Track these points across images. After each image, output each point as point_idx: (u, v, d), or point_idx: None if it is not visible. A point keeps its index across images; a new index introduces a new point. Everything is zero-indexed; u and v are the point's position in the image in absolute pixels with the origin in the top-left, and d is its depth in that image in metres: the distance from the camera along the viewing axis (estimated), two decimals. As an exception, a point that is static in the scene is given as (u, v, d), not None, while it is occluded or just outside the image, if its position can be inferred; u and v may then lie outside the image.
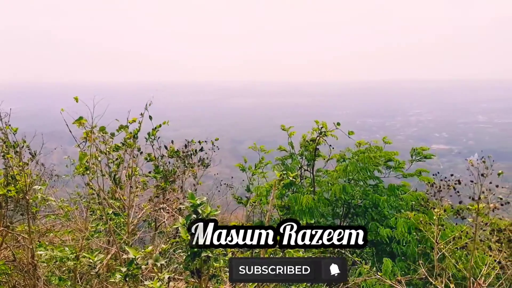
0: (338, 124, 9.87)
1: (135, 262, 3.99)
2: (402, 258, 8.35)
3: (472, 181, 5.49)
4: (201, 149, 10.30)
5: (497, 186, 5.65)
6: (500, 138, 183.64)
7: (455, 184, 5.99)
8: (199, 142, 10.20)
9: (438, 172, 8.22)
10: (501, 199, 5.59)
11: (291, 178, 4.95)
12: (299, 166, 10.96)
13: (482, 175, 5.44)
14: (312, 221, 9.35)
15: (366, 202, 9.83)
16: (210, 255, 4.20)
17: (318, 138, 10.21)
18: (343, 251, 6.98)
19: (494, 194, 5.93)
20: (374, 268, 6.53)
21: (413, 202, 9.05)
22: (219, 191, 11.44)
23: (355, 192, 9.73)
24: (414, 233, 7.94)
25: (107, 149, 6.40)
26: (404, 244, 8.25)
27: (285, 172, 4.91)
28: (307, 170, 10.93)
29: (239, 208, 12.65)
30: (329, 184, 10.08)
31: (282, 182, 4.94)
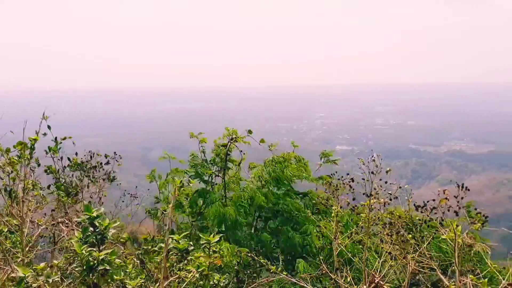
0: (250, 131, 10.07)
1: (24, 281, 3.78)
2: (310, 257, 8.76)
3: (363, 179, 5.95)
4: (107, 163, 9.98)
5: (386, 182, 6.16)
6: (395, 138, 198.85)
7: (349, 182, 6.43)
8: (105, 156, 9.89)
9: (336, 172, 8.76)
10: (390, 194, 6.12)
11: (191, 184, 5.00)
12: (211, 173, 11.00)
13: (372, 173, 5.92)
14: (223, 228, 9.47)
15: (280, 206, 10.12)
16: (108, 268, 4.10)
17: (229, 144, 10.33)
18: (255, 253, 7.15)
19: (385, 190, 6.48)
20: (280, 268, 6.77)
21: (314, 201, 9.53)
22: (123, 201, 11.12)
23: (269, 197, 9.98)
24: (315, 230, 8.37)
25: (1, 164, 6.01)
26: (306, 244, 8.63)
27: (187, 179, 4.96)
28: (219, 176, 11.01)
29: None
30: (242, 191, 10.24)
31: (182, 189, 4.97)
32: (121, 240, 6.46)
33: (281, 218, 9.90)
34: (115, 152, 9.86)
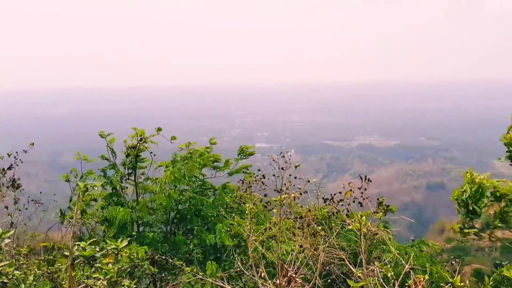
0: (159, 129, 9.82)
1: None
2: (224, 256, 8.75)
3: (274, 175, 6.03)
4: (10, 167, 9.23)
5: (295, 177, 6.30)
6: (311, 134, 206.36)
7: (261, 179, 6.49)
8: (8, 154, 9.14)
9: (259, 170, 8.82)
10: (300, 189, 6.27)
11: (96, 188, 4.75)
12: (121, 175, 10.57)
13: (282, 169, 6.02)
14: (134, 233, 9.16)
15: (193, 205, 9.97)
16: (5, 280, 3.80)
17: (138, 145, 10.00)
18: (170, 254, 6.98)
19: (294, 185, 6.62)
20: (195, 269, 6.68)
21: (227, 200, 9.53)
22: (27, 208, 10.32)
23: (182, 197, 9.81)
24: (228, 229, 8.37)
25: None
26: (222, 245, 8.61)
27: (92, 182, 4.72)
28: (130, 179, 10.62)
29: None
30: (154, 193, 9.97)
31: (87, 193, 4.72)
32: (20, 251, 6.00)
33: (194, 219, 9.78)
34: (15, 157, 9.11)
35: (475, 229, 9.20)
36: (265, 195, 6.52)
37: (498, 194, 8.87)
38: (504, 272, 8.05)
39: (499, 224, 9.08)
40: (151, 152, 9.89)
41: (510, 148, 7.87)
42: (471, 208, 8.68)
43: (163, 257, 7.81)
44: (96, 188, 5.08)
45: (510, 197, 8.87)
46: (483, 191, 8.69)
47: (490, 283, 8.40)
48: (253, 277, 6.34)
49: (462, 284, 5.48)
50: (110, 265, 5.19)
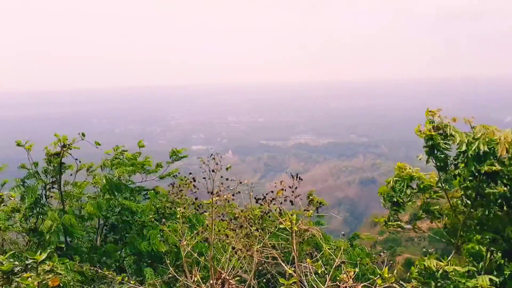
0: (83, 134, 9.39)
1: None
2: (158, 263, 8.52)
3: (204, 178, 5.94)
4: None
5: (227, 179, 6.25)
6: (248, 135, 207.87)
7: (191, 182, 6.38)
8: None
9: (191, 173, 8.66)
10: (232, 190, 6.23)
11: (13, 198, 4.43)
12: (44, 184, 9.95)
13: (213, 171, 5.95)
14: (63, 245, 8.68)
15: (124, 212, 9.61)
16: None
17: (62, 151, 9.48)
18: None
19: (228, 187, 6.56)
20: (126, 278, 6.42)
21: (159, 205, 9.31)
22: None
23: (111, 204, 9.41)
24: (159, 234, 8.17)
25: None
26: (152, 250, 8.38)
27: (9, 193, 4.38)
28: (54, 187, 10.03)
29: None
30: (81, 201, 9.50)
31: (3, 204, 4.37)
32: None
33: (126, 226, 9.44)
34: None
35: (398, 222, 9.62)
36: (196, 199, 6.42)
37: (422, 186, 9.32)
38: (426, 262, 8.46)
39: (423, 215, 9.56)
40: (76, 159, 9.40)
41: (427, 142, 8.28)
42: (395, 200, 9.06)
43: (93, 268, 7.48)
44: (13, 199, 4.72)
45: (433, 189, 9.36)
46: (406, 184, 9.10)
47: (416, 271, 8.83)
48: (186, 282, 6.21)
49: (389, 275, 5.70)
50: (30, 279, 4.86)
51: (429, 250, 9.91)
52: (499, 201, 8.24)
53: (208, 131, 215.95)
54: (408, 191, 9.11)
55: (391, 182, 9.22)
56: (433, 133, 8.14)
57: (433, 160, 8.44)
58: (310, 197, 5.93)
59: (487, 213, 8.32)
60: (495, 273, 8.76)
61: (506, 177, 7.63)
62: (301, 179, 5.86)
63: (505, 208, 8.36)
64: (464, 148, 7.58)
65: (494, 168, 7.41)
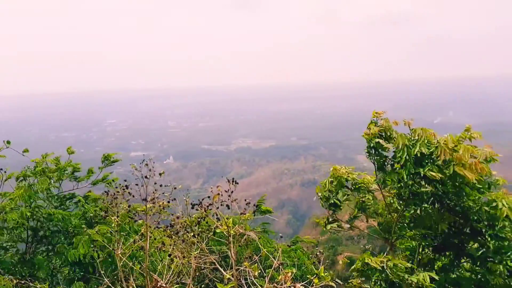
0: (8, 142, 8.91)
1: None
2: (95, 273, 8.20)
3: (136, 184, 5.79)
4: None
5: (161, 185, 6.12)
6: (189, 140, 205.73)
7: (124, 189, 6.20)
8: None
9: (125, 180, 8.39)
10: (167, 196, 6.11)
11: None
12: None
13: (146, 177, 5.81)
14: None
15: (52, 220, 9.18)
16: None
17: (-14, 160, 8.93)
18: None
19: (163, 193, 6.43)
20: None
21: (91, 214, 8.99)
22: None
23: (37, 214, 8.95)
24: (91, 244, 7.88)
25: None
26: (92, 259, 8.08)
27: None
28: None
29: None
30: (4, 212, 8.94)
31: None
32: None
33: (55, 235, 9.03)
34: None
35: (337, 222, 9.90)
36: (129, 206, 6.24)
37: (357, 186, 9.66)
38: (366, 259, 8.77)
39: (359, 214, 9.90)
40: (1, 169, 8.89)
41: (369, 143, 8.58)
42: (332, 202, 9.32)
43: (22, 282, 7.06)
44: None
45: (368, 189, 9.72)
46: (341, 184, 9.39)
47: (356, 268, 9.13)
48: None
49: (326, 274, 5.82)
50: None
51: (366, 247, 10.25)
52: (431, 199, 8.72)
53: (147, 136, 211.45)
54: (341, 193, 9.40)
55: (327, 184, 9.48)
56: (376, 134, 8.45)
57: (373, 160, 8.77)
58: (246, 200, 5.94)
59: (419, 211, 8.75)
60: (427, 267, 9.22)
61: (438, 179, 8.06)
62: (237, 183, 5.86)
63: (436, 206, 8.85)
64: (405, 150, 7.93)
65: (434, 173, 7.80)
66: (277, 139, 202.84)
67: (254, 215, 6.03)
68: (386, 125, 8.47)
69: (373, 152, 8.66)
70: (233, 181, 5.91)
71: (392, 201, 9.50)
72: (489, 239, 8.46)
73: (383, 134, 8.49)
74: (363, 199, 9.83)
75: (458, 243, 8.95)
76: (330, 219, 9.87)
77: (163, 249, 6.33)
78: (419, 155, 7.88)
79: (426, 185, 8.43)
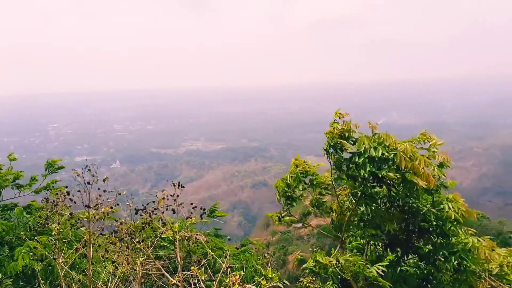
0: None
1: None
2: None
3: (79, 190, 5.61)
4: None
5: (104, 191, 5.96)
6: (136, 143, 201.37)
7: (66, 196, 5.99)
8: None
9: (66, 186, 8.10)
10: (110, 202, 5.95)
11: None
12: None
13: (88, 183, 5.63)
14: None
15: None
16: None
17: None
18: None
19: (107, 199, 6.26)
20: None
21: (30, 223, 8.61)
22: None
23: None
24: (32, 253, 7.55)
25: None
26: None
27: None
28: None
29: None
30: None
31: None
32: None
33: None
34: None
35: (292, 217, 10.02)
36: (71, 213, 6.02)
37: (315, 182, 9.79)
38: (317, 257, 8.92)
39: (313, 210, 10.08)
40: None
41: (330, 142, 8.74)
42: (289, 195, 9.43)
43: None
44: None
45: (324, 186, 9.89)
46: (299, 178, 9.51)
47: (308, 266, 9.28)
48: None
49: (273, 274, 5.87)
50: None
51: (315, 249, 10.42)
52: (382, 199, 9.03)
53: (92, 140, 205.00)
54: (301, 187, 9.53)
55: (288, 178, 9.58)
56: (338, 134, 8.63)
57: (329, 159, 8.94)
58: (192, 203, 5.89)
59: (369, 210, 9.01)
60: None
61: (391, 181, 8.35)
62: (183, 187, 5.79)
63: (387, 205, 9.17)
64: (371, 152, 8.14)
65: (392, 174, 8.07)
66: (228, 141, 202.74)
67: (201, 219, 5.98)
68: (347, 127, 8.70)
69: (332, 151, 8.83)
70: (179, 185, 5.84)
71: (345, 199, 9.74)
72: (436, 238, 8.88)
73: (343, 135, 8.71)
74: (319, 196, 10.00)
75: (406, 241, 9.31)
76: (283, 214, 9.96)
77: (107, 256, 6.15)
78: (375, 158, 8.14)
79: (378, 186, 8.73)
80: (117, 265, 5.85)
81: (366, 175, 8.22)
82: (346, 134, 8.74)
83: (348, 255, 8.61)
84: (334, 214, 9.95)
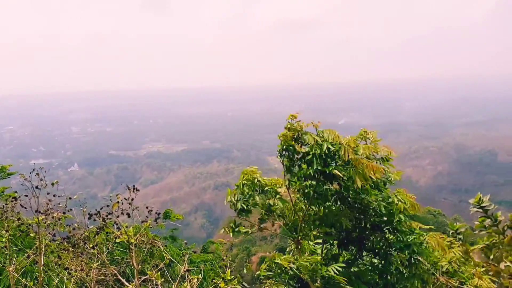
0: None
1: None
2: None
3: (26, 195, 5.41)
4: None
5: (54, 195, 5.77)
6: (95, 146, 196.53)
7: (12, 201, 5.75)
8: None
9: (16, 191, 7.77)
10: (61, 207, 5.77)
11: None
12: None
13: (37, 187, 5.43)
14: None
15: None
16: None
17: None
18: None
19: (59, 203, 6.06)
20: None
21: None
22: None
23: None
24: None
25: None
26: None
27: None
28: None
29: None
30: None
31: None
32: None
33: None
34: None
35: (243, 227, 10.01)
36: (19, 219, 5.79)
37: (264, 189, 9.83)
38: (276, 259, 8.95)
39: (266, 217, 10.09)
40: None
41: (283, 145, 8.78)
42: (239, 207, 9.41)
43: None
44: None
45: (275, 191, 9.92)
46: (253, 187, 9.53)
47: (264, 268, 9.29)
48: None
49: (232, 276, 5.85)
50: None
51: (271, 253, 10.39)
52: (334, 197, 9.14)
53: (49, 143, 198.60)
54: (257, 197, 9.53)
55: (240, 186, 9.57)
56: (291, 136, 8.66)
57: (282, 161, 8.98)
58: (148, 207, 5.77)
59: (322, 209, 9.11)
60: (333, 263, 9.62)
61: (341, 178, 8.48)
62: (138, 190, 5.67)
63: (339, 203, 9.29)
64: (315, 149, 8.23)
65: (337, 171, 8.18)
66: (189, 143, 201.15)
67: (156, 222, 5.88)
68: (299, 128, 8.76)
69: (285, 154, 8.89)
70: (134, 189, 5.72)
71: (298, 200, 9.81)
72: (387, 232, 9.10)
73: (296, 136, 8.78)
74: (270, 202, 10.01)
75: (360, 238, 9.49)
76: (237, 223, 9.96)
77: (59, 262, 5.94)
78: (326, 152, 8.25)
79: (329, 184, 8.85)
80: (70, 272, 5.66)
81: (312, 173, 8.33)
82: (299, 135, 8.84)
83: (305, 255, 8.68)
84: (284, 218, 10.01)
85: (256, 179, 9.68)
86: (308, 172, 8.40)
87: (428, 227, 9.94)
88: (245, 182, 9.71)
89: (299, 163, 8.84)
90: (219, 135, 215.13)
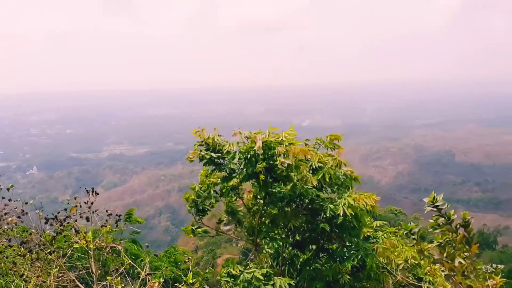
0: None
1: None
2: None
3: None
4: None
5: (10, 200, 5.62)
6: (55, 148, 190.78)
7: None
8: None
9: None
10: (16, 212, 5.62)
11: None
12: None
13: (-10, 192, 5.28)
14: None
15: None
16: None
17: None
18: None
19: (15, 208, 5.91)
20: None
21: None
22: None
23: None
24: None
25: None
26: None
27: None
28: None
29: None
30: None
31: None
32: None
33: None
34: None
35: (203, 228, 9.99)
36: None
37: (224, 191, 9.84)
38: (229, 268, 8.81)
39: (225, 218, 10.10)
40: None
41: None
42: (200, 208, 9.39)
43: None
44: None
45: (237, 192, 9.94)
46: (211, 189, 9.52)
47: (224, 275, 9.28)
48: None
49: (194, 280, 5.86)
50: None
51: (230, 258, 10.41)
52: (287, 198, 9.21)
53: (6, 146, 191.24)
54: (213, 199, 9.52)
55: (196, 188, 9.53)
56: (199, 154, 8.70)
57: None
58: (108, 211, 5.70)
59: (276, 211, 9.15)
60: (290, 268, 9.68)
61: (287, 178, 8.56)
62: (97, 193, 5.60)
63: (293, 205, 9.35)
64: (237, 155, 8.30)
65: (264, 165, 8.24)
66: (152, 145, 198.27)
67: (116, 225, 5.81)
68: (212, 142, 8.88)
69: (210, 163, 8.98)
70: (92, 192, 5.65)
71: (252, 203, 9.86)
72: (335, 237, 9.11)
73: (210, 148, 8.88)
74: (230, 203, 10.02)
75: (315, 240, 9.53)
76: (196, 226, 9.92)
77: (14, 269, 5.78)
78: (248, 156, 8.34)
79: (279, 186, 8.89)
80: (26, 279, 5.52)
81: (241, 177, 8.35)
82: (216, 147, 8.93)
83: (252, 269, 8.46)
84: (246, 218, 10.03)
85: (212, 182, 9.68)
86: (241, 176, 8.42)
87: (382, 222, 9.99)
88: (201, 184, 9.73)
89: (229, 167, 8.86)
90: (183, 137, 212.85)
